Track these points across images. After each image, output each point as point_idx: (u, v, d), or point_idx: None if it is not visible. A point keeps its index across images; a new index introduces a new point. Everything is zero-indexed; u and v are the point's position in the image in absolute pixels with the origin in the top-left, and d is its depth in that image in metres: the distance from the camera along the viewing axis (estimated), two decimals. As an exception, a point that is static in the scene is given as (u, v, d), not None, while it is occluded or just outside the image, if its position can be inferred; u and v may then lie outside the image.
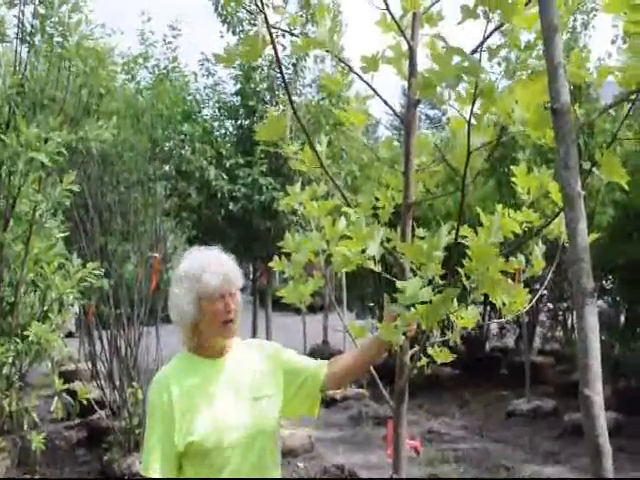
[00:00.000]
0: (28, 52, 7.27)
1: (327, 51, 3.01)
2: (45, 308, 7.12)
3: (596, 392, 1.92)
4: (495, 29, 2.66)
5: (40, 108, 7.31)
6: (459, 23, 2.50)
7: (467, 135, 2.61)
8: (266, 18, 2.84)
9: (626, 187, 2.72)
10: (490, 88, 2.52)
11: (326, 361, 3.40)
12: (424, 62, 3.32)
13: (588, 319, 1.88)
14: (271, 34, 2.92)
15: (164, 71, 13.52)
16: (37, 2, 7.26)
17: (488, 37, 2.59)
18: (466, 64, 2.36)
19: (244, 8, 2.98)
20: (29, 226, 6.93)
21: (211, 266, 3.06)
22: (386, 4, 3.02)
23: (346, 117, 3.44)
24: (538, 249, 3.54)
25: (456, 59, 2.37)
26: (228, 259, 3.15)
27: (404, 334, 3.08)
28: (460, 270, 2.85)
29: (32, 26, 7.25)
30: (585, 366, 1.91)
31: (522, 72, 2.92)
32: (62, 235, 7.32)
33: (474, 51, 2.60)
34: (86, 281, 7.52)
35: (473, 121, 2.59)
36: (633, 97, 2.54)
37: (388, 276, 3.49)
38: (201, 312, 3.04)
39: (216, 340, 3.11)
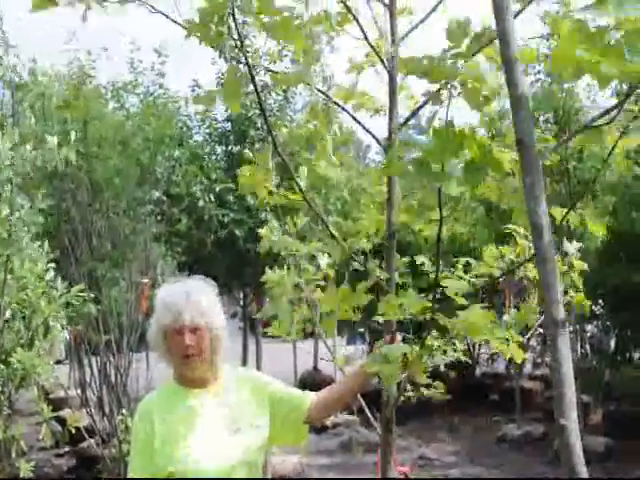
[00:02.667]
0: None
1: (306, 85, 3.03)
2: (30, 333, 7.09)
3: (571, 421, 1.92)
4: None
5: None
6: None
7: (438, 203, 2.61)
8: (246, 58, 2.86)
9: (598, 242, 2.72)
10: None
11: (313, 393, 3.41)
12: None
13: (561, 349, 1.88)
14: (253, 77, 2.92)
15: (151, 97, 13.52)
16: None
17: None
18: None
19: (224, 55, 3.00)
20: (5, 249, 6.88)
21: (173, 300, 3.07)
22: (363, 33, 3.05)
23: (322, 166, 3.45)
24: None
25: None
26: (199, 293, 3.14)
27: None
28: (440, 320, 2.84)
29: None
30: (560, 395, 1.91)
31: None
32: (51, 264, 7.27)
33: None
34: (72, 305, 7.49)
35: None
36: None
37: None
38: (165, 344, 3.09)
39: (185, 372, 3.11)
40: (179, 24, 2.97)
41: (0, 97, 7.53)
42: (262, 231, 3.84)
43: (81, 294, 7.66)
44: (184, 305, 3.05)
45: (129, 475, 3.03)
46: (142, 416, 3.08)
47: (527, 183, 1.95)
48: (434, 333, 2.96)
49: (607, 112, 2.38)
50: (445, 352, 3.30)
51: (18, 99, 7.52)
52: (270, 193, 3.46)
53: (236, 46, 2.88)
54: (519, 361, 3.36)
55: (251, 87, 2.92)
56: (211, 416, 3.09)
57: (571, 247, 3.41)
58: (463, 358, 3.31)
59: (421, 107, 3.11)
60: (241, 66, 2.96)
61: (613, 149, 2.60)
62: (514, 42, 2.02)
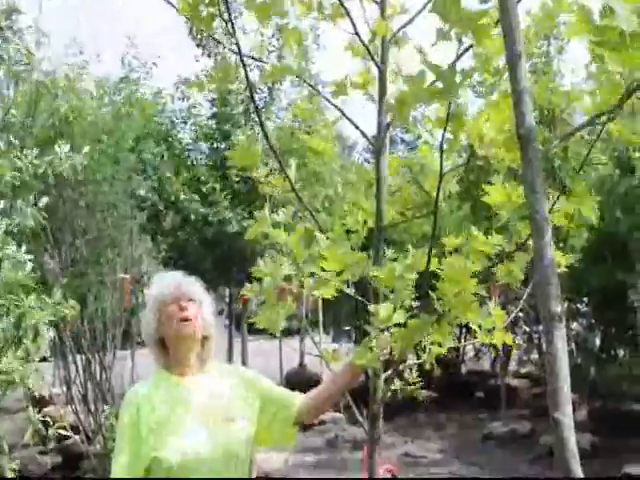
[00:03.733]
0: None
1: (297, 77, 3.01)
2: (20, 334, 7.04)
3: (566, 415, 1.92)
4: (465, 51, 2.66)
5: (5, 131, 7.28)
6: (433, 45, 2.51)
7: (440, 157, 2.63)
8: (237, 44, 2.85)
9: (593, 219, 2.72)
10: (461, 110, 2.54)
11: (302, 394, 3.40)
12: (391, 86, 3.34)
13: (556, 343, 1.88)
14: (242, 60, 2.92)
15: (134, 91, 13.53)
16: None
17: (458, 58, 2.61)
18: (440, 85, 2.37)
19: (213, 38, 2.98)
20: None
21: (165, 280, 3.23)
22: (355, 28, 3.03)
23: (315, 145, 3.44)
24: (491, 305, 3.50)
25: (429, 80, 2.39)
26: (187, 277, 3.26)
27: (378, 358, 3.07)
28: (432, 294, 2.85)
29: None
30: (555, 390, 1.91)
31: (492, 95, 2.92)
32: (29, 263, 7.20)
33: (449, 69, 2.60)
34: (60, 306, 7.44)
35: (445, 144, 2.61)
36: (603, 119, 2.55)
37: (362, 299, 3.48)
38: (160, 321, 3.12)
39: (179, 346, 3.12)
40: (170, 3, 2.95)
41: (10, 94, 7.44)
42: (256, 214, 3.80)
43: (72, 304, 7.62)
44: (181, 280, 3.20)
45: (115, 459, 2.98)
46: (129, 404, 3.06)
47: (527, 178, 1.95)
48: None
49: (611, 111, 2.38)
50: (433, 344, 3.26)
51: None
52: (260, 181, 3.47)
53: (227, 26, 2.87)
54: (510, 342, 3.35)
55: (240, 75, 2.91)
56: (201, 405, 3.07)
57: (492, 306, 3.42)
58: (450, 346, 3.27)
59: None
60: (230, 53, 2.95)
61: (591, 148, 2.58)
62: (519, 39, 2.01)
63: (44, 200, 7.20)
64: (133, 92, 13.40)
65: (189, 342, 3.13)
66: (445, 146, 2.66)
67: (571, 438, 1.93)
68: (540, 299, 1.92)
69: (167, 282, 3.19)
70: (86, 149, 7.67)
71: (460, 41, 2.47)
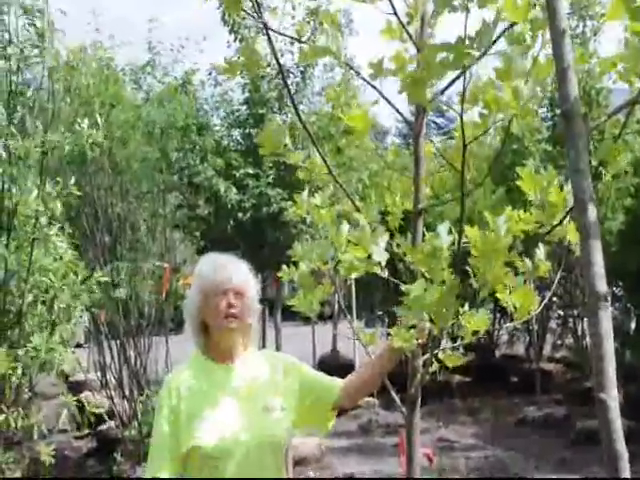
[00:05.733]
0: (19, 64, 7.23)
1: (334, 58, 2.99)
2: (53, 318, 7.09)
3: (612, 397, 1.89)
4: (503, 32, 2.62)
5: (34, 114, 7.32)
6: (434, 17, 2.47)
7: (461, 127, 2.61)
8: (265, 26, 2.83)
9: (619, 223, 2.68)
10: (489, 82, 2.53)
11: (341, 379, 3.40)
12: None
13: (602, 323, 1.85)
14: (271, 42, 2.91)
15: (179, 81, 13.53)
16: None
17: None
18: (451, 57, 2.35)
19: (248, 13, 2.95)
20: (31, 235, 6.90)
21: (217, 264, 3.19)
22: (393, 8, 3.00)
23: (352, 120, 3.40)
24: (540, 252, 3.47)
25: (441, 55, 2.36)
26: (239, 262, 3.25)
27: (415, 339, 3.05)
28: (467, 269, 2.83)
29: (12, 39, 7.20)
30: (600, 371, 1.88)
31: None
32: (67, 247, 7.24)
33: (457, 41, 2.56)
34: (94, 292, 7.50)
35: (476, 119, 2.59)
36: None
37: (397, 281, 3.46)
38: (206, 306, 3.11)
39: (222, 337, 3.13)
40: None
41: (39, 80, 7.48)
42: (296, 197, 3.80)
43: (102, 278, 7.69)
44: (231, 270, 3.16)
45: (153, 443, 3.03)
46: (169, 388, 3.08)
47: (571, 156, 1.92)
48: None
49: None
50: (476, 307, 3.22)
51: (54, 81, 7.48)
52: (298, 166, 3.46)
53: (255, 10, 2.86)
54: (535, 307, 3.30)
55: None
56: (238, 393, 3.08)
57: (540, 252, 3.37)
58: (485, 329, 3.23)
59: (450, 85, 3.05)
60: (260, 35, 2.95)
61: (624, 127, 2.55)
62: (563, 16, 1.99)
63: (72, 183, 7.21)
64: (162, 77, 13.41)
65: (234, 335, 3.15)
66: (479, 120, 2.65)
67: (617, 420, 1.90)
68: (586, 279, 1.89)
69: (216, 267, 3.17)
70: (100, 121, 7.70)
71: (467, 9, 2.42)
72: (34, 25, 7.12)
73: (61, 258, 7.07)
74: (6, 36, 7.16)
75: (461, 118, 2.61)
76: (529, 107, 2.63)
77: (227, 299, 3.08)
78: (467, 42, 2.32)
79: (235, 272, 3.16)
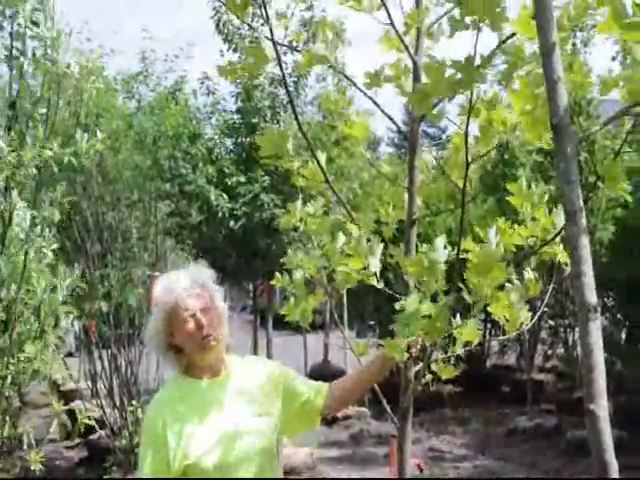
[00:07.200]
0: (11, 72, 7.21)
1: (330, 66, 3.01)
2: (40, 324, 7.06)
3: (601, 407, 1.91)
4: (504, 41, 2.64)
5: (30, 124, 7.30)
6: (450, 36, 2.49)
7: (465, 145, 2.62)
8: (271, 30, 2.85)
9: (628, 198, 2.70)
10: (495, 97, 2.54)
11: (327, 384, 3.40)
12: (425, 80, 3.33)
13: (592, 334, 1.87)
14: (275, 46, 2.92)
15: (170, 89, 13.55)
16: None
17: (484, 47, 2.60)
18: (459, 75, 2.35)
19: (247, 24, 2.97)
20: (24, 244, 6.88)
21: (172, 286, 3.02)
22: (390, 18, 3.02)
23: (349, 130, 3.42)
24: (529, 272, 3.48)
25: (450, 71, 2.37)
26: (193, 274, 3.10)
27: (408, 351, 3.06)
28: (461, 285, 2.84)
29: (13, 48, 7.19)
30: (590, 381, 1.90)
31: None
32: (52, 249, 7.20)
33: (467, 60, 2.58)
34: (77, 294, 7.47)
35: (475, 132, 2.61)
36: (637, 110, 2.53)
37: (390, 291, 3.47)
38: (176, 333, 3.00)
39: (203, 357, 3.04)
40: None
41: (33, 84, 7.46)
42: (289, 205, 3.80)
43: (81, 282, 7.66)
44: (187, 285, 3.02)
45: (141, 472, 2.93)
46: (153, 415, 3.02)
47: (561, 168, 1.94)
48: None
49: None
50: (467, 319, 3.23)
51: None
52: (293, 173, 3.46)
53: (260, 13, 2.87)
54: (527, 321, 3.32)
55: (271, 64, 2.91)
56: (225, 405, 3.06)
57: (529, 273, 3.39)
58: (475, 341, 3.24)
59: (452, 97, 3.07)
60: (262, 38, 2.95)
61: (626, 139, 2.57)
62: (553, 29, 2.00)
63: (59, 190, 7.18)
64: (166, 89, 13.44)
65: (214, 350, 3.06)
66: (479, 134, 2.66)
67: (606, 430, 1.91)
68: (575, 290, 1.91)
69: (173, 290, 3.00)
70: (103, 136, 7.69)
71: (478, 29, 2.44)
72: (38, 35, 7.11)
73: (47, 265, 7.04)
74: (12, 44, 7.15)
75: (466, 135, 2.61)
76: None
77: (195, 320, 2.98)
78: (479, 61, 2.34)
79: (192, 289, 3.02)
